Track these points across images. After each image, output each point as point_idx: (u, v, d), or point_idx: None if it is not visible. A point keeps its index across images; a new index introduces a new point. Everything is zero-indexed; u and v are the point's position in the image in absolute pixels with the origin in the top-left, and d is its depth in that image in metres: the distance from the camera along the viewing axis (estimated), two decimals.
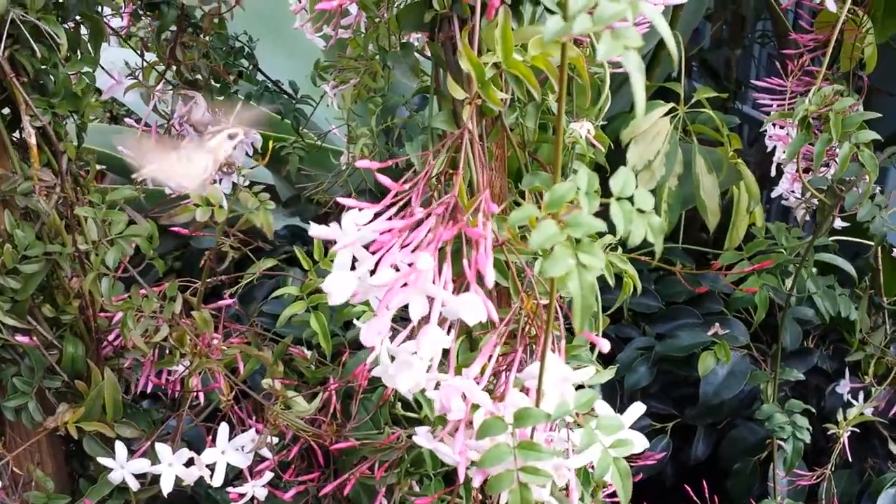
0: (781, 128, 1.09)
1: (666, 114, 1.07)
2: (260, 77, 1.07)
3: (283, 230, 1.50)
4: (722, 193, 1.14)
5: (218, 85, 0.85)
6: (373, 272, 0.51)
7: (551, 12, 0.50)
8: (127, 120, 1.03)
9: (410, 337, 0.51)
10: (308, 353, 0.85)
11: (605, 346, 0.49)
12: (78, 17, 0.75)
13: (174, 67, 0.80)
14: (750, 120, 1.84)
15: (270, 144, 0.80)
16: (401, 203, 0.57)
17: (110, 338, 0.77)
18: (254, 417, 0.73)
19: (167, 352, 0.75)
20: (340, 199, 0.56)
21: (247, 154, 1.03)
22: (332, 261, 0.79)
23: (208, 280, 0.74)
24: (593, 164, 0.78)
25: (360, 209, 0.56)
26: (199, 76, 0.79)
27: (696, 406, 1.14)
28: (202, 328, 0.70)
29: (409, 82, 0.78)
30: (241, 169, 1.04)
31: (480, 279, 0.48)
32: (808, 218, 1.19)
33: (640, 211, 0.43)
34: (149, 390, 0.78)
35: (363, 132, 1.13)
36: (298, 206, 1.44)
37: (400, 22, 0.72)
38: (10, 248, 0.69)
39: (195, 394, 0.76)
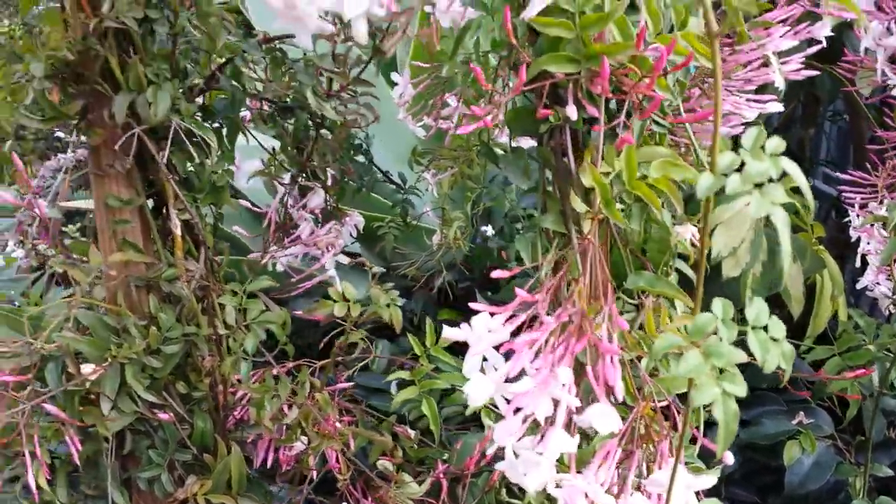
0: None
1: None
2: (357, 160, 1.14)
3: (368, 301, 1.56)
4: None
5: (337, 175, 0.92)
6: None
7: (700, 167, 0.54)
8: (242, 202, 1.11)
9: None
10: (411, 432, 0.89)
11: (729, 458, 0.52)
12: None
13: (298, 160, 0.87)
14: (820, 194, 1.85)
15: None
16: (522, 307, 0.62)
17: (235, 413, 0.82)
18: (368, 497, 0.78)
19: (286, 428, 0.80)
20: (473, 305, 0.60)
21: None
22: (443, 348, 0.84)
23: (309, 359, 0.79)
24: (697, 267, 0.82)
25: (490, 314, 0.60)
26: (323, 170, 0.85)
27: (780, 496, 1.14)
28: (325, 410, 0.75)
29: (519, 184, 0.83)
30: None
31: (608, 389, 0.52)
32: (892, 309, 1.20)
33: (774, 339, 0.47)
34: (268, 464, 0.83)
35: (457, 216, 1.19)
36: (387, 280, 1.50)
37: (510, 127, 0.77)
38: (155, 329, 0.75)
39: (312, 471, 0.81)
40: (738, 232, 1.27)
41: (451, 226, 1.16)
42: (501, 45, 0.82)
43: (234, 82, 0.74)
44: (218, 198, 0.79)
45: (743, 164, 0.41)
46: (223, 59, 0.75)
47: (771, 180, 0.41)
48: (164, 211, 0.77)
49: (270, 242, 0.94)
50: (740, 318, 0.50)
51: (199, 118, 0.76)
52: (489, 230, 1.42)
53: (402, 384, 0.87)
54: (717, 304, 0.47)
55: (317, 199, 0.96)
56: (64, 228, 2.08)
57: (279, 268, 1.00)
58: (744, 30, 0.59)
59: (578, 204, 0.65)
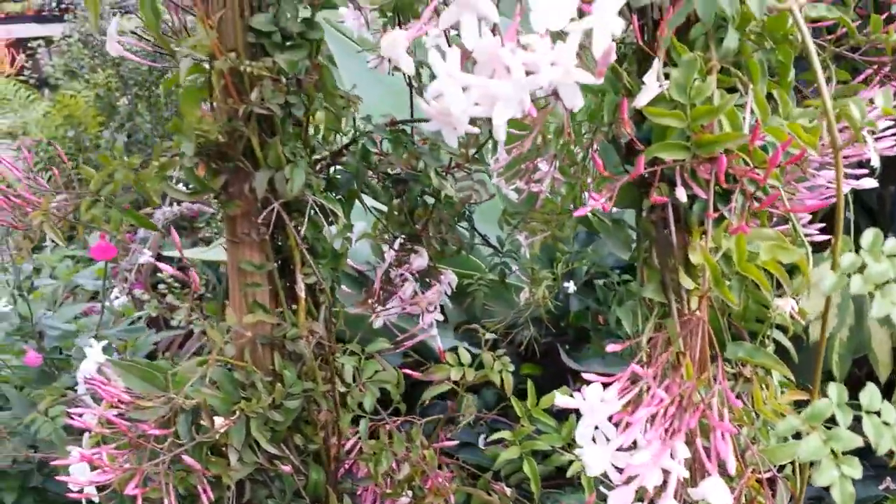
0: None
1: None
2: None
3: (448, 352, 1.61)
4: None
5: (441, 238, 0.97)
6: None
7: (799, 242, 0.58)
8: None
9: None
10: (508, 490, 0.92)
11: None
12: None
13: (408, 227, 0.93)
14: None
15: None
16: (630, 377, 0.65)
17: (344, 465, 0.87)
18: None
19: (394, 481, 0.84)
20: (586, 375, 0.64)
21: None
22: (543, 410, 0.88)
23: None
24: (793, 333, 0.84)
25: (602, 384, 0.64)
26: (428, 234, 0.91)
27: None
28: (433, 465, 0.79)
29: (621, 254, 0.87)
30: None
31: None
32: None
33: (886, 424, 0.50)
34: None
35: (545, 275, 1.23)
36: (466, 332, 1.55)
37: (615, 202, 0.81)
38: (280, 385, 0.81)
39: None
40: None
41: (539, 285, 1.20)
42: (597, 115, 0.87)
43: (360, 159, 0.81)
44: (337, 263, 0.85)
45: (864, 265, 0.44)
46: (348, 138, 0.82)
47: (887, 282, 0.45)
48: (291, 274, 0.84)
49: (376, 301, 1.00)
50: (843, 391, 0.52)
51: (329, 193, 0.82)
52: (571, 286, 1.46)
53: (495, 439, 0.90)
54: (833, 389, 0.50)
55: (420, 261, 1.02)
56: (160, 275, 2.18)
57: (376, 324, 1.06)
58: (861, 135, 0.62)
59: (686, 280, 0.69)
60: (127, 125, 2.75)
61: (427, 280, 1.06)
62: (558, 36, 0.49)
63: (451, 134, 0.52)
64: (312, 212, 0.78)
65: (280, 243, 0.84)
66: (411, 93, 0.96)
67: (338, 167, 0.84)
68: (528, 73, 0.49)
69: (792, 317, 0.83)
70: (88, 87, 3.11)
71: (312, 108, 0.77)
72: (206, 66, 0.73)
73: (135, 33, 0.81)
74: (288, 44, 0.73)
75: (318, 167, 0.83)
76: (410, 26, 0.51)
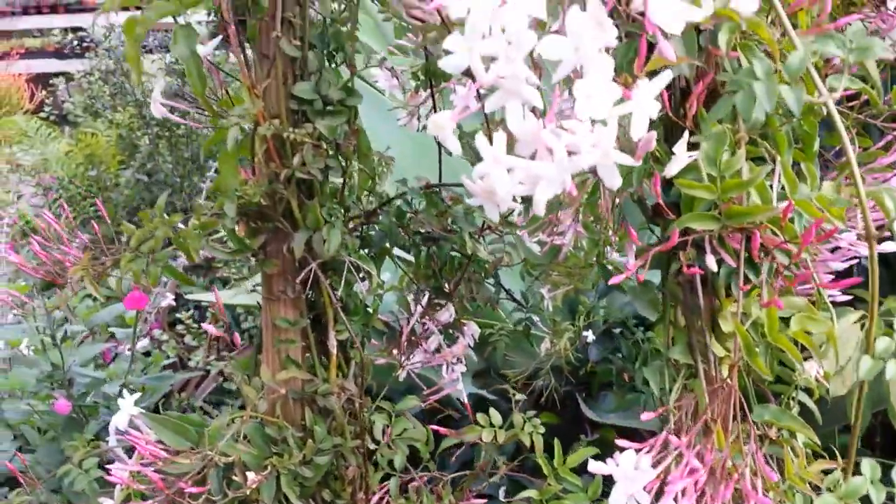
0: None
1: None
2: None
3: (468, 399, 1.61)
4: None
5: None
6: None
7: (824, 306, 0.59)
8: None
9: None
10: None
11: None
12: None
13: (435, 283, 0.94)
14: None
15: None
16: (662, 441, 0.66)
17: None
18: None
19: None
20: (619, 442, 0.65)
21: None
22: (570, 469, 0.89)
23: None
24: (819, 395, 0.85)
25: (635, 450, 0.65)
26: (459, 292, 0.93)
27: None
28: None
29: (648, 315, 0.89)
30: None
31: None
32: None
33: None
34: None
35: (568, 327, 1.25)
36: (486, 379, 1.56)
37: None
38: (311, 441, 0.82)
39: None
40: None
41: (561, 337, 1.22)
42: (625, 179, 0.89)
43: (393, 219, 0.83)
44: (368, 319, 0.87)
45: None
46: (381, 197, 0.84)
47: None
48: (323, 330, 0.85)
49: (402, 353, 1.01)
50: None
51: (362, 251, 0.84)
52: (590, 335, 1.47)
53: (522, 498, 0.91)
54: (867, 465, 0.51)
55: (446, 314, 1.04)
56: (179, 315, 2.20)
57: (401, 376, 1.07)
58: (894, 225, 0.64)
59: (718, 348, 0.70)
60: (148, 165, 2.79)
61: (451, 331, 1.07)
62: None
63: (493, 209, 0.54)
64: (349, 270, 0.80)
65: (313, 300, 0.86)
66: (440, 150, 0.99)
67: (371, 225, 0.86)
68: (569, 154, 0.51)
69: (817, 380, 0.84)
70: (110, 127, 3.16)
71: (349, 170, 0.79)
72: (246, 127, 0.75)
73: (179, 95, 0.84)
74: (328, 109, 0.76)
75: (351, 225, 0.85)
76: (454, 104, 0.54)
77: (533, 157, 0.52)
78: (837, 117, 0.45)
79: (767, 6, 0.57)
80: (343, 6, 0.76)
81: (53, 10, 6.61)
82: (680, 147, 0.68)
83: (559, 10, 0.48)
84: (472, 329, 1.22)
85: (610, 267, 1.12)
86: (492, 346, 1.32)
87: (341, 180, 0.81)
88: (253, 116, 0.69)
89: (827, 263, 0.84)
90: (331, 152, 0.77)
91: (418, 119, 1.09)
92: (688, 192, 0.66)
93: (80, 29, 5.63)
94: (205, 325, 1.17)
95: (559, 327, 1.23)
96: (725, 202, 0.66)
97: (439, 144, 1.00)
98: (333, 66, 0.77)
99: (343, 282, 0.82)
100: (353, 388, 0.82)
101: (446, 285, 0.85)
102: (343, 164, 0.79)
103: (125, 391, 0.88)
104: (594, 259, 1.13)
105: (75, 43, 5.38)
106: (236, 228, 0.78)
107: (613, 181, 0.53)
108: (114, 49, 3.49)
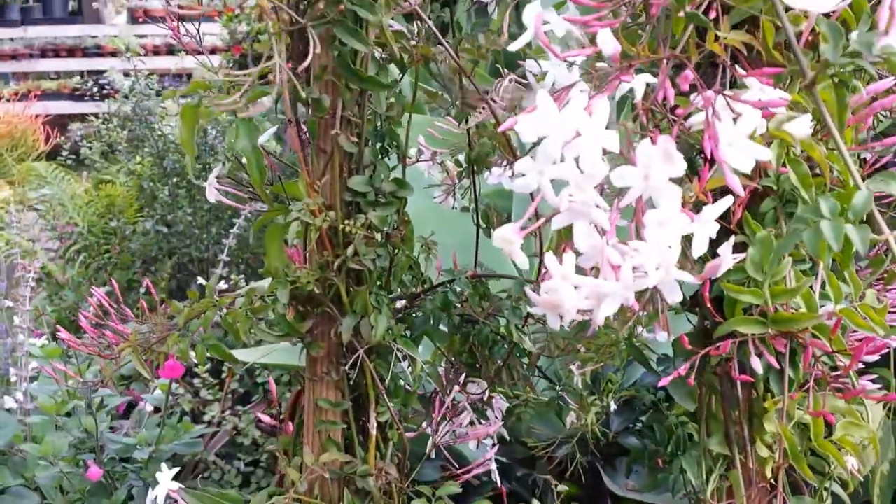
0: None
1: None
2: None
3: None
4: None
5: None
6: None
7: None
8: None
9: None
10: None
11: None
12: None
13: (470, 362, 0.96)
14: None
15: None
16: None
17: None
18: None
19: None
20: None
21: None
22: None
23: None
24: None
25: None
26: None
27: None
28: None
29: (686, 406, 0.90)
30: None
31: None
32: None
33: None
34: None
35: (596, 402, 1.26)
36: (506, 446, 1.56)
37: (678, 354, 0.84)
38: None
39: None
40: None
41: (588, 412, 1.22)
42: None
43: (438, 304, 0.84)
44: (408, 400, 0.88)
45: None
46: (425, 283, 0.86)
47: None
48: (364, 411, 0.86)
49: (435, 429, 1.02)
50: None
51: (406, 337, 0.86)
52: (612, 404, 1.48)
53: None
54: None
55: (477, 388, 1.05)
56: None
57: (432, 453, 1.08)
58: None
59: (762, 448, 0.71)
60: (168, 217, 2.82)
61: (481, 406, 1.08)
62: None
63: (555, 320, 0.56)
64: (392, 356, 0.81)
65: (354, 381, 0.87)
66: (477, 233, 1.01)
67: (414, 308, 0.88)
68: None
69: (852, 473, 0.85)
70: (127, 175, 3.19)
71: (397, 258, 0.81)
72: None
73: (231, 177, 0.87)
74: (380, 201, 0.78)
75: (396, 306, 0.87)
76: (520, 219, 0.56)
77: (594, 271, 0.55)
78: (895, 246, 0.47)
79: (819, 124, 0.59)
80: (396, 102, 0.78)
81: (71, 53, 6.71)
82: (726, 250, 0.70)
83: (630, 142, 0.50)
84: (500, 403, 1.23)
85: (638, 344, 1.13)
86: (516, 417, 1.33)
87: (387, 265, 0.82)
88: (311, 213, 0.71)
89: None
90: (381, 241, 0.79)
91: (454, 197, 1.12)
92: (735, 296, 0.68)
93: (100, 72, 5.72)
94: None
95: (586, 402, 1.24)
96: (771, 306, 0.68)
97: (478, 226, 1.03)
98: (386, 158, 0.80)
99: (385, 364, 0.84)
100: (393, 471, 0.83)
101: (489, 375, 0.87)
102: (391, 251, 0.81)
103: (164, 465, 0.89)
104: (624, 336, 1.14)
105: (93, 86, 5.47)
106: (286, 313, 0.80)
107: (674, 296, 0.55)
108: (133, 96, 3.54)
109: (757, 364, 0.69)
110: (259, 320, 0.81)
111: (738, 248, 0.70)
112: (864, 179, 0.66)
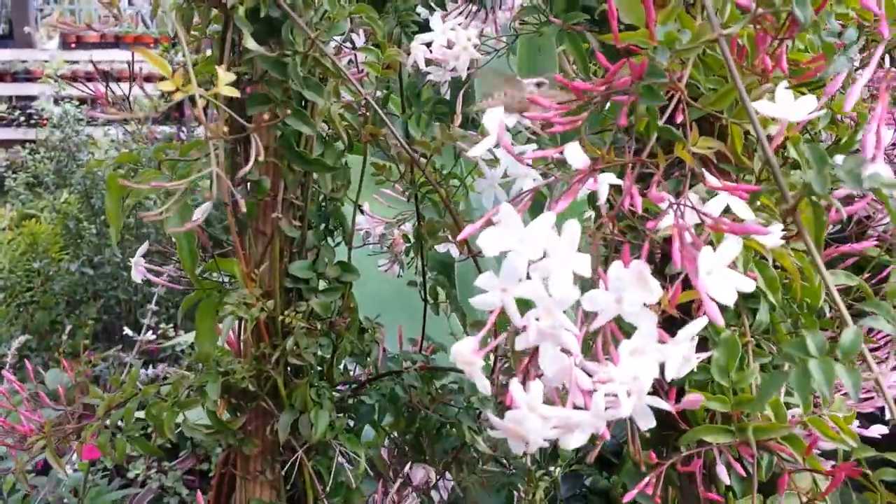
0: None
1: None
2: None
3: None
4: None
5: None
6: None
7: None
8: None
9: None
10: None
11: None
12: None
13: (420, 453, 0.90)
14: None
15: None
16: None
17: None
18: None
19: None
20: None
21: None
22: None
23: None
24: None
25: None
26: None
27: None
28: None
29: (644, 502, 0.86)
30: None
31: None
32: None
33: None
34: None
35: (544, 477, 1.21)
36: None
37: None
38: None
39: None
40: None
41: (537, 488, 1.18)
42: None
43: (382, 394, 0.79)
44: (350, 498, 0.82)
45: None
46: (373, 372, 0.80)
47: None
48: None
49: None
50: None
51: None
52: (558, 471, 1.44)
53: None
54: None
55: (423, 474, 0.99)
56: None
57: None
58: None
59: None
60: (95, 258, 2.70)
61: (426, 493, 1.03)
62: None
63: (518, 447, 0.51)
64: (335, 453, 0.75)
65: (291, 478, 0.81)
66: (425, 308, 0.96)
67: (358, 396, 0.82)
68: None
69: None
70: (52, 212, 3.05)
71: (341, 347, 0.76)
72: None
73: (161, 252, 0.80)
74: (323, 287, 0.73)
75: (340, 403, 0.81)
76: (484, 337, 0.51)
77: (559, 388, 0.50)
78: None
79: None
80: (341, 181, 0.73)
81: (0, 78, 6.47)
82: (691, 352, 0.67)
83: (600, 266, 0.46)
84: (446, 483, 1.17)
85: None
86: (462, 490, 1.28)
87: (331, 354, 0.77)
88: (248, 304, 0.65)
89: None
90: (324, 329, 0.73)
91: (400, 266, 1.07)
92: (701, 410, 0.65)
93: (30, 98, 5.51)
94: None
95: (534, 477, 1.19)
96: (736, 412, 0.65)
97: (425, 301, 0.98)
98: (330, 240, 0.75)
99: (325, 458, 0.78)
100: None
101: (439, 468, 0.81)
102: (335, 340, 0.75)
103: None
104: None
105: (20, 115, 5.25)
106: (217, 408, 0.73)
107: (647, 422, 0.51)
108: (63, 125, 3.41)
109: (722, 472, 0.66)
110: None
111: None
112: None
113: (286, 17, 0.63)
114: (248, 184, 0.68)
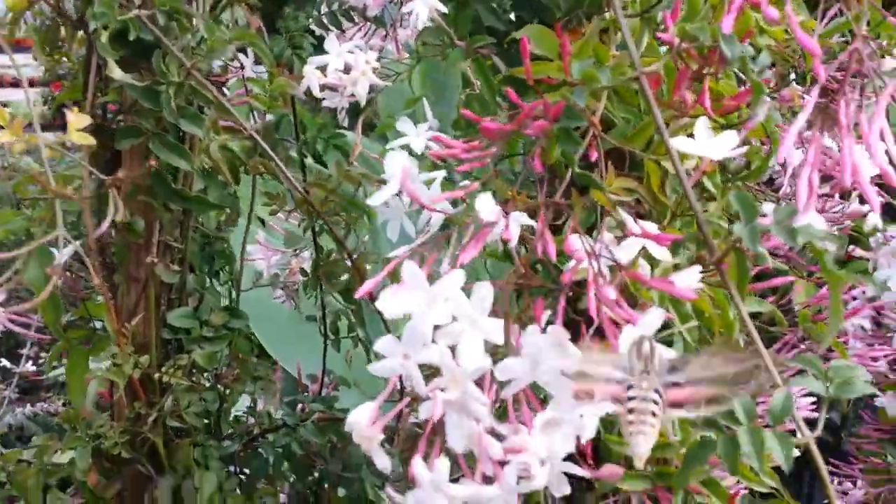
0: None
1: None
2: None
3: None
4: None
5: None
6: None
7: None
8: None
9: None
10: None
11: None
12: None
13: None
14: None
15: None
16: None
17: None
18: None
19: None
20: None
21: None
22: None
23: None
24: None
25: None
26: None
27: None
28: None
29: None
30: None
31: None
32: None
33: None
34: None
35: None
36: None
37: None
38: None
39: None
40: None
41: None
42: None
43: (277, 447, 0.72)
44: None
45: None
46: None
47: None
48: None
49: None
50: None
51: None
52: None
53: None
54: None
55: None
56: None
57: None
58: None
59: None
60: None
61: None
62: None
63: None
64: None
65: None
66: (325, 346, 0.90)
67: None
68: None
69: None
70: None
71: (231, 399, 0.69)
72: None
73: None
74: (207, 336, 0.66)
75: (227, 451, 0.74)
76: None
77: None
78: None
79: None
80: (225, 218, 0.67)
81: None
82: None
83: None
84: None
85: None
86: None
87: (217, 408, 0.70)
88: (115, 367, 0.57)
89: None
90: (209, 383, 0.67)
91: (294, 301, 1.00)
92: (616, 448, 0.61)
93: None
94: None
95: None
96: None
97: (325, 336, 0.91)
98: (217, 284, 0.68)
99: None
100: None
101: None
102: (222, 393, 0.68)
103: None
104: None
105: None
106: (87, 477, 0.65)
107: (562, 489, 0.47)
108: None
109: None
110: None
111: None
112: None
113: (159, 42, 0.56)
114: (117, 225, 0.61)
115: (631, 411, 0.40)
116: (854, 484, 1.19)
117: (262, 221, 0.97)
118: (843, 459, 1.21)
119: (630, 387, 0.39)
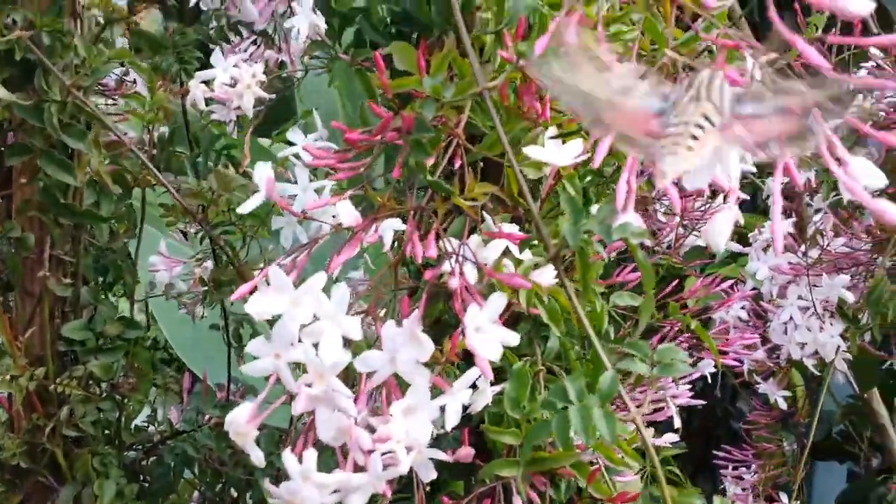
0: None
1: None
2: None
3: None
4: None
5: None
6: None
7: None
8: None
9: None
10: None
11: None
12: None
13: None
14: None
15: None
16: None
17: None
18: None
19: None
20: None
21: None
22: None
23: None
24: None
25: None
26: None
27: None
28: None
29: None
30: None
31: None
32: None
33: None
34: None
35: None
36: None
37: None
38: None
39: None
40: None
41: None
42: None
43: (176, 453, 0.74)
44: None
45: None
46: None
47: None
48: None
49: None
50: None
51: None
52: None
53: None
54: None
55: None
56: None
57: None
58: None
59: None
60: None
61: None
62: None
63: None
64: None
65: None
66: (229, 353, 0.92)
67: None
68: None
69: None
70: None
71: (129, 409, 0.71)
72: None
73: None
74: (103, 347, 0.68)
75: (129, 458, 0.76)
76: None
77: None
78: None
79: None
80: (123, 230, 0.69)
81: None
82: (484, 384, 0.67)
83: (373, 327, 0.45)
84: None
85: None
86: None
87: (116, 417, 0.72)
88: (10, 379, 0.59)
89: None
90: (105, 394, 0.68)
91: (202, 309, 1.02)
92: (496, 437, 0.65)
93: None
94: None
95: None
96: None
97: (229, 344, 0.94)
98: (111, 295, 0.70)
99: None
100: None
101: None
102: (120, 402, 0.70)
103: None
104: None
105: None
106: None
107: (429, 474, 0.51)
108: None
109: (518, 502, 0.67)
110: None
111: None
112: None
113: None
114: (11, 240, 0.62)
115: (668, 137, 0.34)
116: (748, 468, 1.26)
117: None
118: (736, 445, 1.29)
119: (671, 116, 0.34)
